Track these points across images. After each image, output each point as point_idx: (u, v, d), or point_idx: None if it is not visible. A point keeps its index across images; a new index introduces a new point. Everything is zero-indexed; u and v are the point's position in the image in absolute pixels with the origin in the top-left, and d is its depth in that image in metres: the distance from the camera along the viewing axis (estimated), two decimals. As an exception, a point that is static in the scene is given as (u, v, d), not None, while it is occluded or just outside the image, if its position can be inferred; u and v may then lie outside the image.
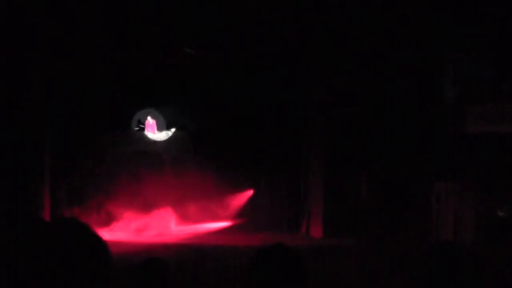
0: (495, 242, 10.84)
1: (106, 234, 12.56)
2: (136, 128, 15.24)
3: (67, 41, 11.82)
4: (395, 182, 12.85)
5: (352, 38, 12.42)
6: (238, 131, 14.75)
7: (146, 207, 14.64)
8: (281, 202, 15.21)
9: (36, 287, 1.44)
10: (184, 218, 15.10)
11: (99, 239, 1.58)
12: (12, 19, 11.02)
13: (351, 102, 13.28)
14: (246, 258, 2.20)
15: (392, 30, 12.36)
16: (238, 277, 2.12)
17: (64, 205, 13.77)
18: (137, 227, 14.45)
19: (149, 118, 15.28)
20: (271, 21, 12.33)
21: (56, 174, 13.54)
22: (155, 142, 15.34)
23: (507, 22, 11.43)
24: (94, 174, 14.26)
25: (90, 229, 1.59)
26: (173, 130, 15.35)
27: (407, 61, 12.61)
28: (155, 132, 15.34)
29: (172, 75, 14.11)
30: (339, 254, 11.01)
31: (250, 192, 15.40)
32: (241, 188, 15.29)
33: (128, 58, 12.76)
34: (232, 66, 13.93)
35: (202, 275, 8.94)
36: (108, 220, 14.14)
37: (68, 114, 13.59)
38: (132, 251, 10.83)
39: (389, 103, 12.95)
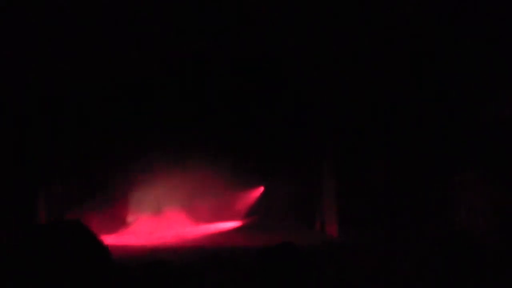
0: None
1: (115, 238, 12.48)
2: None
3: (67, 41, 11.80)
4: (411, 174, 12.71)
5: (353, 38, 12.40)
6: (246, 129, 14.66)
7: (157, 209, 14.53)
8: (294, 199, 15.09)
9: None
10: (195, 219, 15.01)
11: (97, 241, 1.58)
12: (12, 19, 10.99)
13: (362, 95, 13.15)
14: (253, 257, 2.19)
15: (392, 30, 12.32)
16: (245, 276, 2.12)
17: (68, 209, 13.62)
18: (147, 230, 14.36)
19: None
20: (271, 21, 12.29)
21: (68, 177, 13.46)
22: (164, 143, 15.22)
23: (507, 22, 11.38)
24: (102, 176, 14.13)
25: (88, 231, 1.59)
26: None
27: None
28: None
29: (172, 74, 14.07)
30: (352, 252, 10.94)
31: (260, 189, 15.28)
32: (252, 186, 15.17)
33: (129, 58, 12.73)
34: (235, 65, 13.86)
35: (208, 277, 8.93)
36: (117, 224, 14.00)
37: (72, 115, 13.53)
38: (139, 254, 10.78)
39: (404, 95, 12.78)
